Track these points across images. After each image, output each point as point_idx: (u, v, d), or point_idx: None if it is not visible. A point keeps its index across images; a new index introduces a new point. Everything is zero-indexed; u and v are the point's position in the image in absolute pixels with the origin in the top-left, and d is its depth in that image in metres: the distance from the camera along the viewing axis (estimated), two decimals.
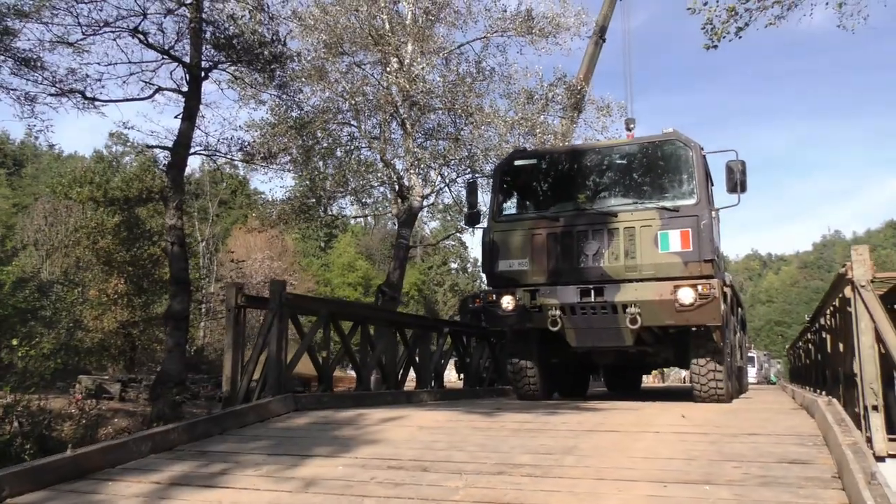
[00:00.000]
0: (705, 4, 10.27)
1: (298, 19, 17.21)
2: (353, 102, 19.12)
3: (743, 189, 7.76)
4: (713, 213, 7.98)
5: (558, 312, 8.03)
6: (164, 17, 13.68)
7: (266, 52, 14.57)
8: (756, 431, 5.00)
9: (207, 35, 14.06)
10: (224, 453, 5.07)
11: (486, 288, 8.81)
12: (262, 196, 22.95)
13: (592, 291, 7.93)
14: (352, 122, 19.80)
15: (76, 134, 52.67)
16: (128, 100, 15.08)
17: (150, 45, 13.82)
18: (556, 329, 8.08)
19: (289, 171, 19.14)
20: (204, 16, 13.87)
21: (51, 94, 14.47)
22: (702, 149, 8.17)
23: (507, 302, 8.27)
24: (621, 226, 7.99)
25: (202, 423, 5.61)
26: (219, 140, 15.85)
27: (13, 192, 41.73)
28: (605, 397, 11.23)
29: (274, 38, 14.53)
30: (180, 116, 14.25)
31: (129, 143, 18.49)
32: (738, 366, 10.83)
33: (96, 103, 14.93)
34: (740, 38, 10.09)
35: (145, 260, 24.39)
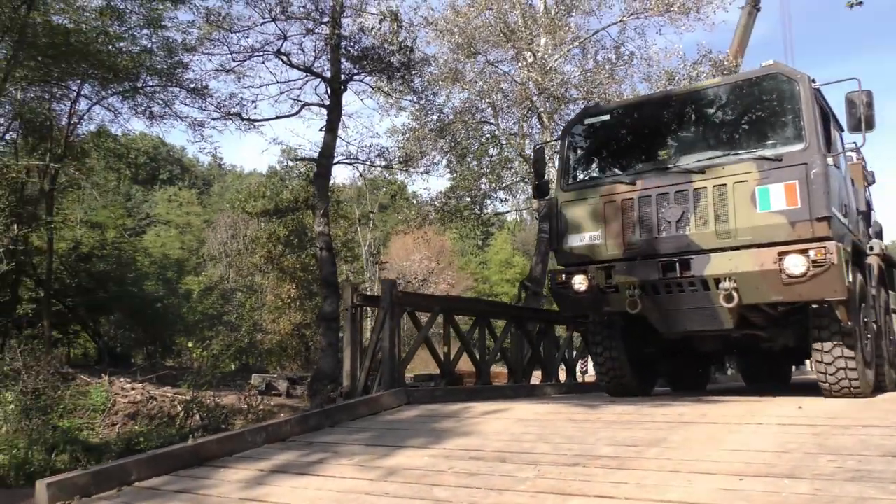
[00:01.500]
0: None
1: (430, 24, 17.68)
2: (490, 101, 19.40)
3: (869, 126, 6.28)
4: (832, 159, 6.57)
5: (638, 292, 6.90)
6: (304, 38, 14.73)
7: (396, 60, 15.17)
8: (874, 423, 4.51)
9: (344, 50, 14.92)
10: (328, 444, 5.41)
11: (556, 267, 7.73)
12: (420, 197, 23.78)
13: (678, 265, 6.68)
14: (490, 121, 19.98)
15: (254, 153, 57.51)
16: (279, 117, 16.41)
17: (292, 65, 14.94)
18: (635, 312, 6.99)
19: (440, 175, 19.89)
20: (341, 31, 14.73)
21: (214, 119, 16.07)
22: (813, 81, 6.66)
23: (580, 282, 7.17)
24: (710, 184, 6.66)
25: (314, 416, 6.02)
26: (359, 148, 16.69)
27: (203, 209, 46.39)
28: (741, 392, 9.50)
29: (402, 45, 15.06)
30: (323, 129, 15.27)
31: (296, 158, 20.03)
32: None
33: (256, 123, 16.44)
34: None
35: (314, 265, 26.17)
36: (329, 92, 15.11)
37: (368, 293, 13.75)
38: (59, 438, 10.08)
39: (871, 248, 7.93)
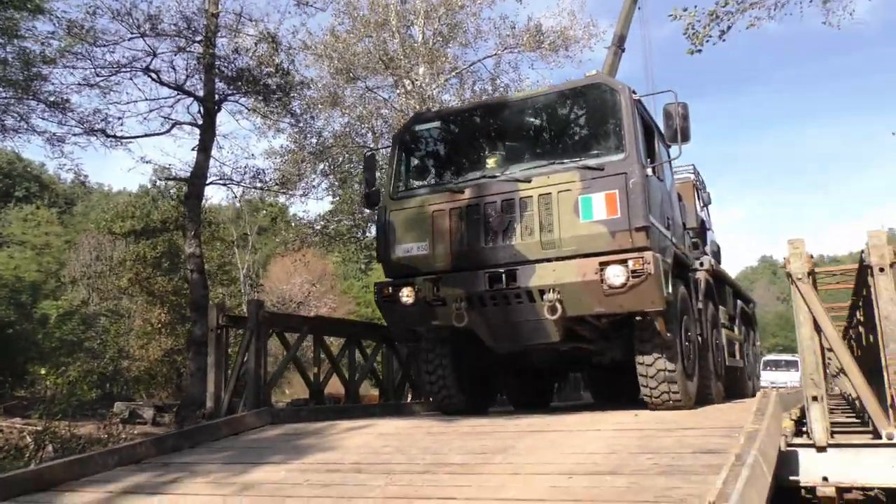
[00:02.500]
0: (685, 10, 10.40)
1: (308, 48, 17.75)
2: (370, 126, 19.68)
3: (685, 138, 6.37)
4: (653, 170, 6.67)
5: (464, 305, 6.67)
6: (175, 55, 14.40)
7: (273, 82, 15.12)
8: (694, 426, 5.03)
9: (218, 70, 14.69)
10: (185, 464, 5.33)
11: (383, 280, 7.36)
12: (301, 220, 23.56)
13: (504, 276, 6.51)
14: (371, 146, 20.22)
15: (123, 171, 54.70)
16: (147, 135, 15.87)
17: (163, 83, 14.55)
18: (462, 325, 6.76)
19: (319, 198, 19.85)
20: (215, 51, 14.52)
21: (75, 135, 15.31)
22: (633, 92, 6.71)
23: (406, 295, 6.92)
24: (535, 193, 6.56)
25: (172, 437, 5.91)
26: (233, 169, 16.42)
27: (65, 229, 43.50)
28: (585, 408, 8.98)
29: (279, 68, 15.05)
30: (196, 148, 14.92)
31: (168, 178, 19.37)
32: (734, 365, 9.63)
33: (123, 140, 15.81)
34: (724, 41, 10.17)
35: (186, 288, 25.27)
36: (202, 111, 14.82)
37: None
38: None
39: (701, 264, 8.28)
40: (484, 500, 3.61)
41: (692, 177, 11.42)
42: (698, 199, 11.62)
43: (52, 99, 14.93)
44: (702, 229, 10.63)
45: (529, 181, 6.64)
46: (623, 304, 6.25)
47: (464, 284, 6.74)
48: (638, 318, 6.60)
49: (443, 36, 19.13)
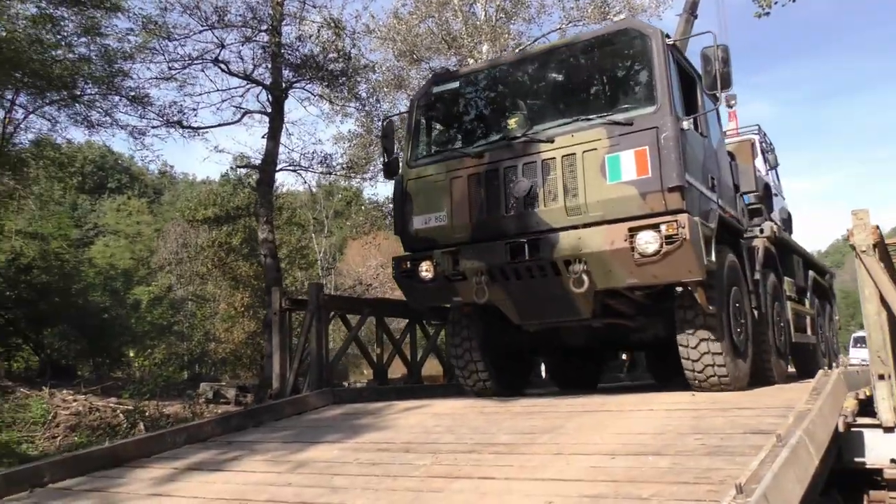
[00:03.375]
0: None
1: (372, 32, 17.88)
2: None
3: (725, 84, 5.74)
4: (691, 123, 6.02)
5: (485, 279, 6.21)
6: (242, 46, 14.82)
7: (337, 68, 15.34)
8: (750, 406, 4.86)
9: (283, 57, 15.03)
10: (248, 443, 5.57)
11: (402, 254, 6.94)
12: (371, 203, 23.97)
13: (526, 247, 6.00)
14: None
15: (207, 161, 56.96)
16: (221, 125, 16.49)
17: (232, 73, 15.01)
18: (482, 301, 6.30)
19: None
20: (280, 39, 14.86)
21: (154, 127, 16.02)
22: (666, 36, 6.06)
23: (425, 270, 6.49)
24: (558, 154, 5.99)
25: (236, 417, 6.17)
26: (301, 155, 16.81)
27: (154, 218, 45.68)
28: (642, 388, 8.26)
29: (342, 53, 15.24)
30: (265, 136, 15.37)
31: (239, 166, 20.17)
32: (804, 342, 8.66)
33: (199, 131, 16.47)
34: (794, 1, 9.59)
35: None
36: (270, 99, 15.22)
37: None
38: None
39: (761, 231, 7.65)
40: (522, 479, 3.62)
41: (755, 137, 10.78)
42: (764, 161, 10.94)
43: (132, 94, 15.67)
44: (766, 194, 9.96)
45: (552, 141, 6.06)
46: (657, 274, 5.66)
47: (484, 257, 6.25)
48: (679, 289, 5.99)
49: (506, 12, 18.89)
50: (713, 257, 5.75)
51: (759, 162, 10.45)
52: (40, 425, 12.63)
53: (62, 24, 13.89)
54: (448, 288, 6.53)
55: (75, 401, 14.27)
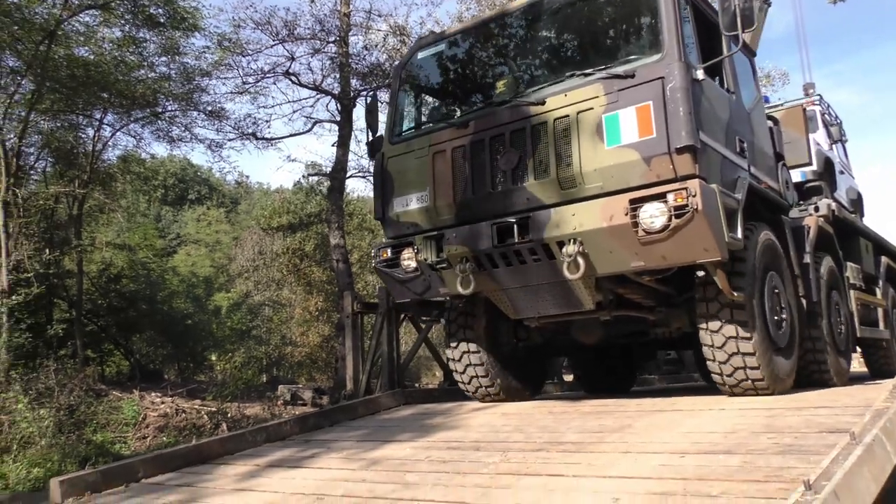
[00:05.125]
0: None
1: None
2: None
3: (747, 23, 4.81)
4: (705, 73, 5.05)
5: (470, 266, 5.46)
6: (311, 57, 15.28)
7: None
8: (828, 405, 4.74)
9: (351, 66, 15.43)
10: (324, 441, 5.78)
11: (383, 241, 6.28)
12: None
13: (515, 227, 5.26)
14: None
15: (281, 170, 58.51)
16: (293, 135, 17.06)
17: (302, 84, 15.50)
18: (468, 292, 5.56)
19: None
20: (348, 49, 15.26)
21: (231, 139, 16.72)
22: None
23: (407, 258, 5.81)
24: (550, 118, 5.20)
25: (313, 417, 6.40)
26: (370, 162, 17.14)
27: (232, 227, 47.35)
28: (695, 390, 7.62)
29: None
30: (335, 144, 15.79)
31: (310, 174, 20.91)
32: (876, 337, 7.70)
33: (272, 142, 17.11)
34: None
35: None
36: (339, 108, 15.63)
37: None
38: (91, 451, 10.62)
39: (817, 209, 6.89)
40: (589, 477, 3.66)
41: (811, 104, 9.83)
42: (828, 135, 10.03)
43: (209, 108, 16.40)
44: (827, 170, 9.12)
45: (543, 103, 5.27)
46: (667, 254, 4.78)
47: (468, 241, 5.49)
48: (699, 273, 5.12)
49: None
50: (739, 234, 4.98)
51: (819, 135, 9.68)
52: (132, 426, 13.33)
53: (144, 45, 14.66)
54: (433, 278, 5.81)
55: (163, 403, 14.99)
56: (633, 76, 4.94)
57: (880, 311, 8.17)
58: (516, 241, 5.27)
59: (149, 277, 20.28)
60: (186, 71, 15.81)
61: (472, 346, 6.48)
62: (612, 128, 4.95)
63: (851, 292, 7.20)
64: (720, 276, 4.93)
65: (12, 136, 12.87)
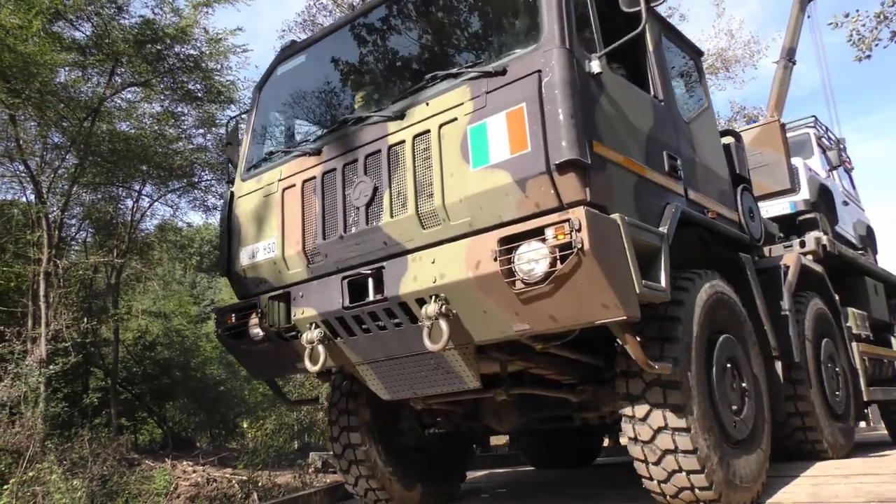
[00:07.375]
0: (847, 16, 9.69)
1: None
2: None
3: None
4: (601, 64, 3.79)
5: (319, 334, 4.23)
6: None
7: None
8: (874, 472, 4.54)
9: None
10: None
11: (229, 302, 5.13)
12: None
13: (371, 281, 4.03)
14: None
15: None
16: None
17: None
18: (316, 369, 4.25)
19: None
20: None
21: None
22: None
23: (253, 324, 4.58)
24: (409, 135, 4.03)
25: (342, 487, 6.28)
26: None
27: None
28: None
29: None
30: None
31: None
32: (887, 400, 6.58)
33: None
34: (894, 41, 9.28)
35: None
36: None
37: None
38: None
39: (802, 244, 5.95)
40: None
41: (810, 129, 9.09)
42: (825, 160, 9.19)
43: None
44: (823, 199, 8.13)
45: (402, 116, 4.11)
46: (556, 314, 3.44)
47: (316, 301, 4.28)
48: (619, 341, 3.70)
49: None
50: (662, 282, 3.67)
51: (814, 161, 8.91)
52: (163, 496, 13.26)
53: (183, 118, 15.21)
54: (286, 350, 4.54)
55: (194, 472, 14.93)
56: (504, 72, 3.74)
57: None
58: (372, 299, 4.03)
59: (183, 344, 20.50)
60: (222, 142, 16.30)
61: (355, 438, 5.15)
62: (479, 142, 3.73)
63: (854, 345, 6.08)
64: (630, 342, 3.54)
65: (55, 209, 13.32)
